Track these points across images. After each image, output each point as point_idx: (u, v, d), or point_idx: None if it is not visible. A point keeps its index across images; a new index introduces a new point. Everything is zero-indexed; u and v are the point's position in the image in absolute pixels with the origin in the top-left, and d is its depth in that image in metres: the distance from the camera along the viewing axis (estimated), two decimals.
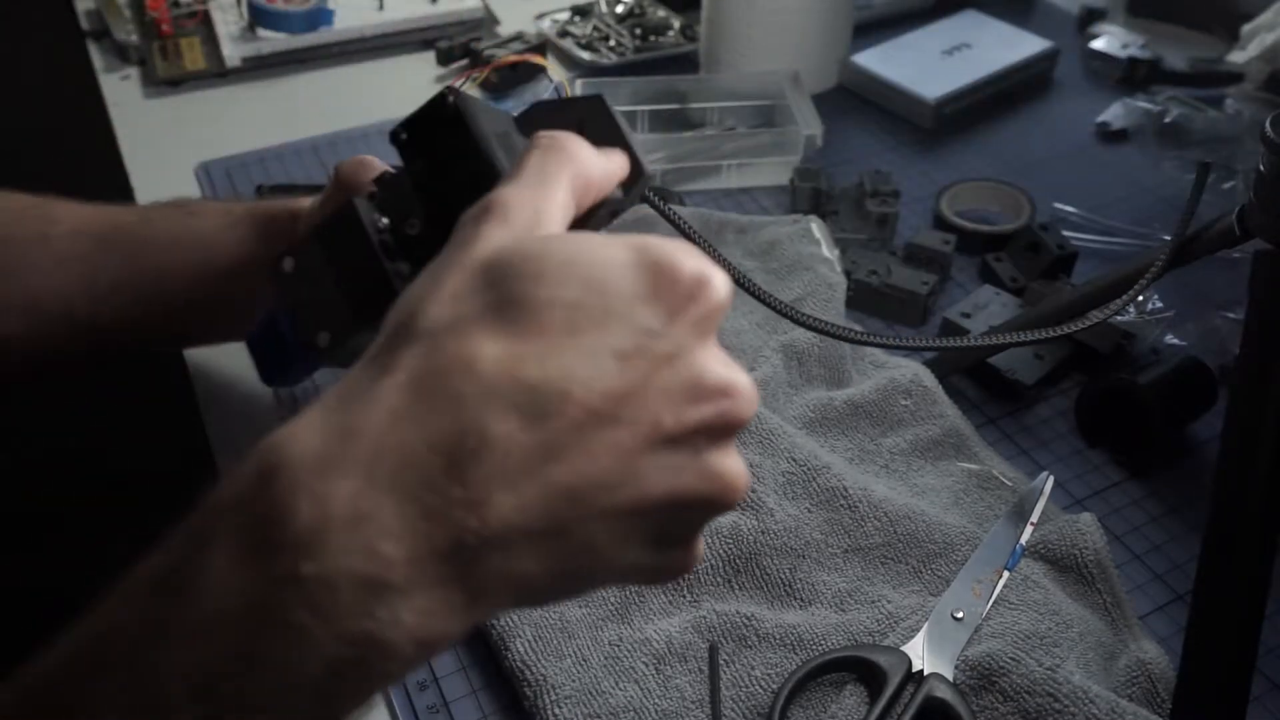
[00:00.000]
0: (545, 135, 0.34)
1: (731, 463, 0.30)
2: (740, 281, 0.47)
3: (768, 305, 0.49)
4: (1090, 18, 1.03)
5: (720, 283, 0.29)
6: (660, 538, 0.30)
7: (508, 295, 0.28)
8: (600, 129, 0.41)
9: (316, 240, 0.42)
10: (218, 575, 0.26)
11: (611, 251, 0.29)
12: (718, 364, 0.29)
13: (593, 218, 0.38)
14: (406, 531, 0.26)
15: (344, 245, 0.41)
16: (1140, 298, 0.67)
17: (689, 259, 0.29)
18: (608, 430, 0.27)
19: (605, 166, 0.35)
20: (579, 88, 0.86)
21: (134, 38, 0.96)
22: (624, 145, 0.41)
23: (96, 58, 0.98)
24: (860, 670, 0.49)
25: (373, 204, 0.41)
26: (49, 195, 0.56)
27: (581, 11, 1.03)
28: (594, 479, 0.27)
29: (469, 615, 0.27)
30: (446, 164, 0.39)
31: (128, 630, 0.27)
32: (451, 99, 0.38)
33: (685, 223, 0.47)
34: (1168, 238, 0.57)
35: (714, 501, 0.29)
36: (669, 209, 0.46)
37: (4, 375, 0.58)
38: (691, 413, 0.28)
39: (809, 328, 0.50)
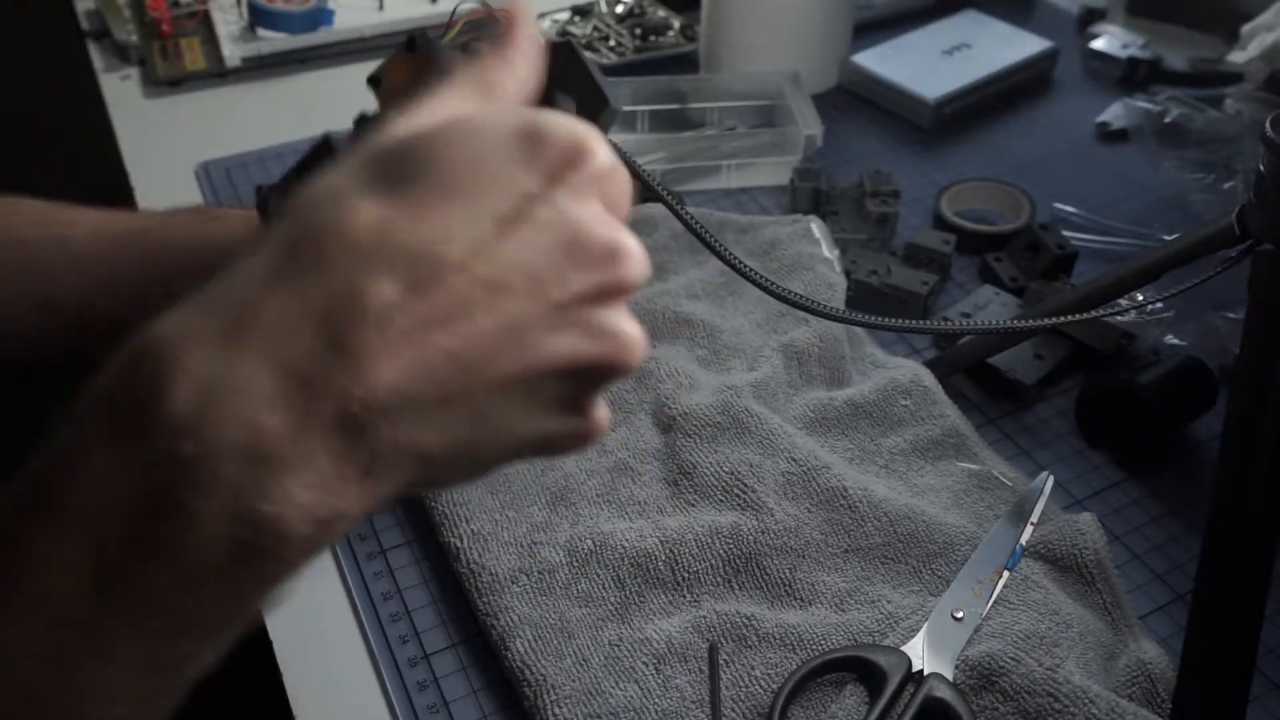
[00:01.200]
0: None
1: (624, 324, 0.29)
2: (741, 270, 0.47)
3: (767, 290, 0.49)
4: (1090, 18, 1.03)
5: (600, 149, 0.29)
6: (558, 405, 0.29)
7: (387, 167, 0.27)
8: (567, 71, 0.42)
9: (295, 174, 0.43)
10: (101, 464, 0.25)
11: (492, 120, 0.29)
12: (601, 226, 0.28)
13: None
14: (287, 402, 0.25)
15: None
16: (1140, 297, 0.67)
17: (567, 125, 0.29)
18: (491, 295, 0.26)
19: (515, 74, 0.34)
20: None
21: (134, 38, 0.96)
22: (588, 79, 0.41)
23: (96, 58, 0.98)
24: (860, 670, 0.49)
25: (348, 140, 0.42)
26: (57, 199, 0.56)
27: (581, 11, 1.03)
28: (480, 345, 0.26)
29: (367, 490, 0.26)
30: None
31: (11, 527, 0.27)
32: (418, 41, 0.40)
33: (690, 216, 0.47)
34: (1167, 238, 0.57)
35: (608, 364, 0.29)
36: (670, 196, 0.46)
37: (24, 372, 0.57)
38: (576, 276, 0.28)
39: (812, 311, 0.50)
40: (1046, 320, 0.52)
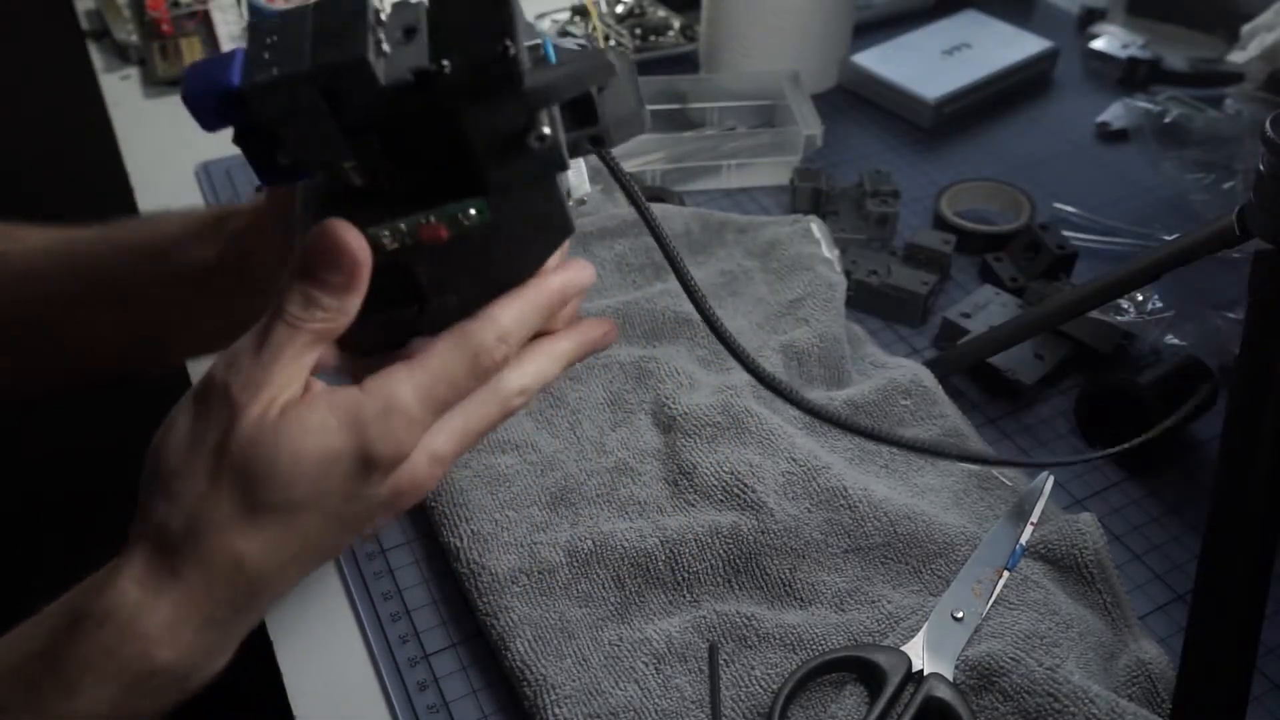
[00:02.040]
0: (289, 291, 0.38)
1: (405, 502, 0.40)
2: (701, 305, 0.45)
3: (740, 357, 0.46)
4: (1090, 18, 1.03)
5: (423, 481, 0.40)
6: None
7: (250, 500, 0.36)
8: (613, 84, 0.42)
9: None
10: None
11: (328, 444, 0.37)
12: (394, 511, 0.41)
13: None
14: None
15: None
16: (1140, 297, 0.67)
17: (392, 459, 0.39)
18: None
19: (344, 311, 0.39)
20: None
21: (134, 38, 0.96)
22: (630, 90, 0.43)
23: (96, 58, 0.98)
24: (860, 670, 0.49)
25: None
26: (57, 199, 0.56)
27: (581, 11, 1.03)
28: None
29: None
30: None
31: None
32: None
33: (665, 235, 0.45)
34: (1167, 238, 0.57)
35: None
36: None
37: None
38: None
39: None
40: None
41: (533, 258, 0.42)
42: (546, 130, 0.37)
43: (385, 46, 0.37)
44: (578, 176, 0.44)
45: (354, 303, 0.38)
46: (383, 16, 0.38)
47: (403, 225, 0.38)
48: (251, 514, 0.36)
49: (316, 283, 0.37)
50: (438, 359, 0.39)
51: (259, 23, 0.38)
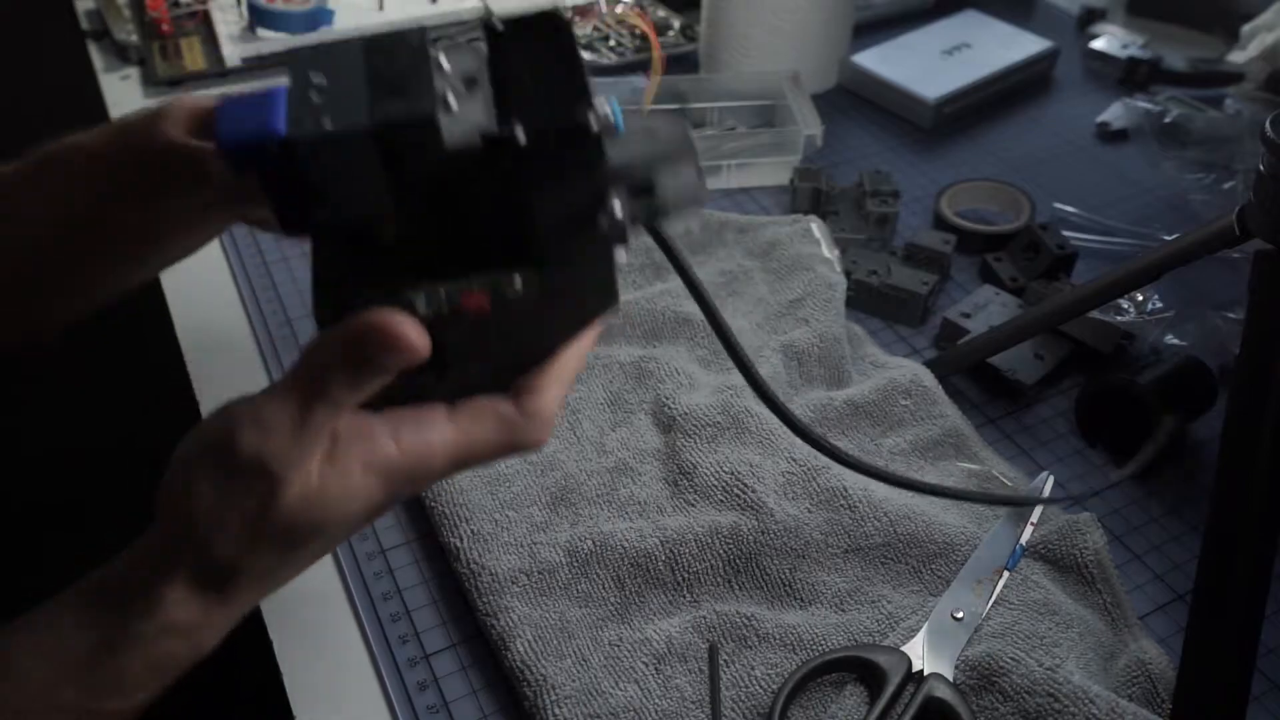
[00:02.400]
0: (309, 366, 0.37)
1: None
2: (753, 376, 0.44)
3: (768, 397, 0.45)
4: (1090, 18, 1.03)
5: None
6: None
7: (294, 550, 0.39)
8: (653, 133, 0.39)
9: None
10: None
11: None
12: None
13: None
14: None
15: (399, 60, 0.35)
16: (1140, 297, 0.67)
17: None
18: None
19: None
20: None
21: (134, 38, 0.96)
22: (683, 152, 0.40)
23: (96, 58, 0.98)
24: (860, 670, 0.49)
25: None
26: None
27: (581, 11, 1.03)
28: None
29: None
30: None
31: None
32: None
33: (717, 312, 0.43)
34: (1167, 238, 0.57)
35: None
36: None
37: None
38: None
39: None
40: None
41: (571, 327, 0.39)
42: (618, 210, 0.35)
43: (450, 99, 0.34)
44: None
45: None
46: (442, 60, 0.36)
47: (443, 292, 0.35)
48: (293, 555, 0.39)
49: (368, 368, 0.36)
50: (478, 432, 0.40)
51: (303, 57, 0.34)
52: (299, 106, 0.33)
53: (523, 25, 0.37)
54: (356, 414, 0.39)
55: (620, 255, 0.37)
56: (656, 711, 0.48)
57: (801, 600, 0.53)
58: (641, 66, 0.95)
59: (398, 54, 0.35)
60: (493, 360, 0.39)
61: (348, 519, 0.38)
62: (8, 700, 0.38)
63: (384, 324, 0.35)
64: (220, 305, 0.72)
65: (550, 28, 0.37)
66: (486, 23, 0.37)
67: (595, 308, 0.39)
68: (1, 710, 0.37)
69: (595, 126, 0.33)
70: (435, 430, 0.39)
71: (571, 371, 0.41)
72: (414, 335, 0.36)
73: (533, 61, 0.35)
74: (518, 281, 0.35)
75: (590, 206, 0.34)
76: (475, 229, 0.36)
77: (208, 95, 0.45)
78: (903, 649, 0.49)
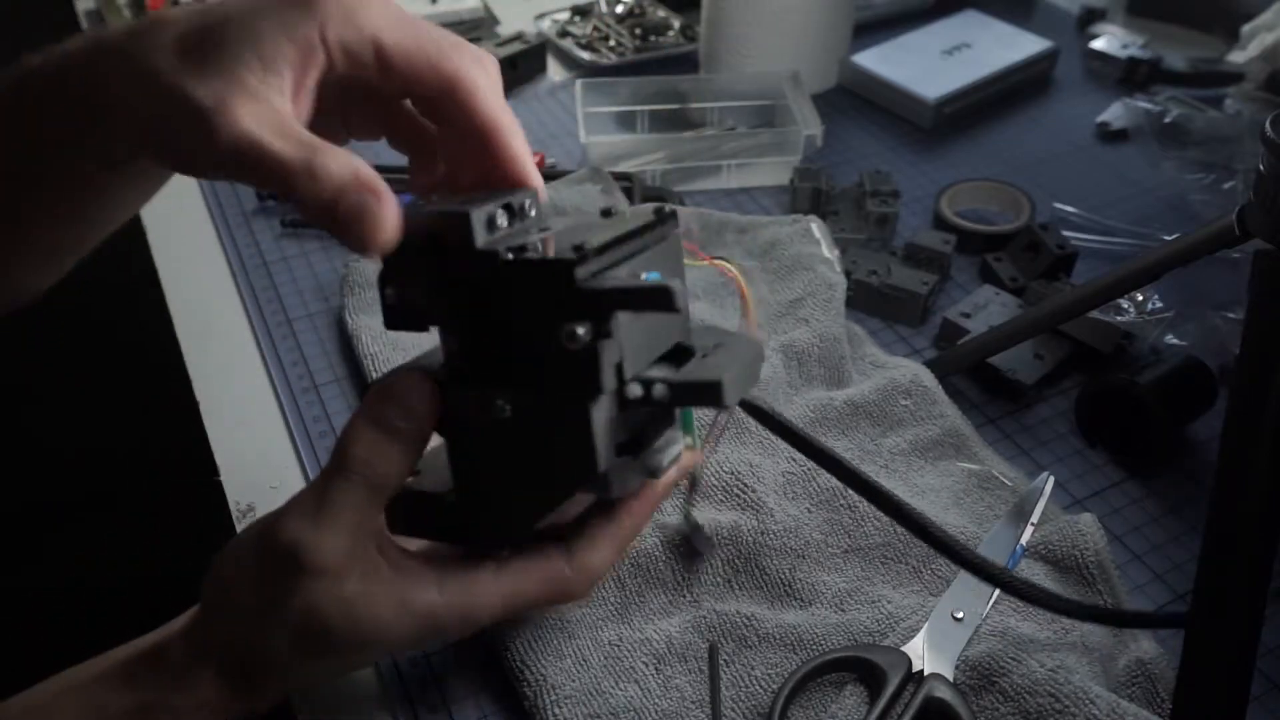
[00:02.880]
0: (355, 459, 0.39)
1: None
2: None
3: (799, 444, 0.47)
4: (1090, 18, 1.03)
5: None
6: None
7: (324, 652, 0.40)
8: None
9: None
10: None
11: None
12: None
13: None
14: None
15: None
16: (1140, 297, 0.67)
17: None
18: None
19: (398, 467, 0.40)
20: (580, 89, 0.85)
21: None
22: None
23: None
24: (860, 670, 0.49)
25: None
26: None
27: (581, 11, 1.03)
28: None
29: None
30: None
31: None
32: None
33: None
34: (1167, 238, 0.57)
35: None
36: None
37: None
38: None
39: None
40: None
41: (556, 480, 0.40)
42: (580, 331, 0.35)
43: (501, 221, 0.38)
44: (664, 449, 0.41)
45: (417, 451, 0.39)
46: (534, 210, 0.40)
47: (466, 393, 0.39)
48: (320, 658, 0.40)
49: (386, 430, 0.38)
50: (524, 587, 0.41)
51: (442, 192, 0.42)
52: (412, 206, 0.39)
53: (635, 217, 0.41)
54: (406, 556, 0.40)
55: (598, 415, 0.37)
56: (656, 711, 0.48)
57: (801, 600, 0.53)
58: (642, 66, 0.95)
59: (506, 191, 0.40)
60: (510, 486, 0.40)
61: (380, 644, 0.39)
62: None
63: (389, 381, 0.37)
64: (220, 305, 0.72)
65: (657, 223, 0.40)
66: (604, 210, 0.41)
67: (570, 472, 0.39)
68: None
69: (584, 250, 0.35)
70: (480, 584, 0.40)
71: (627, 538, 0.43)
72: (416, 389, 0.37)
73: (610, 235, 0.38)
74: (497, 400, 0.38)
75: (555, 321, 0.36)
76: (500, 344, 0.38)
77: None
78: (903, 649, 0.49)
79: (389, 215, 0.35)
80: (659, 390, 0.37)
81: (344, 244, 0.36)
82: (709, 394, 0.37)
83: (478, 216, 0.37)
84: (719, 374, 0.36)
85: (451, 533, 0.43)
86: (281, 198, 0.40)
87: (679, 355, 0.39)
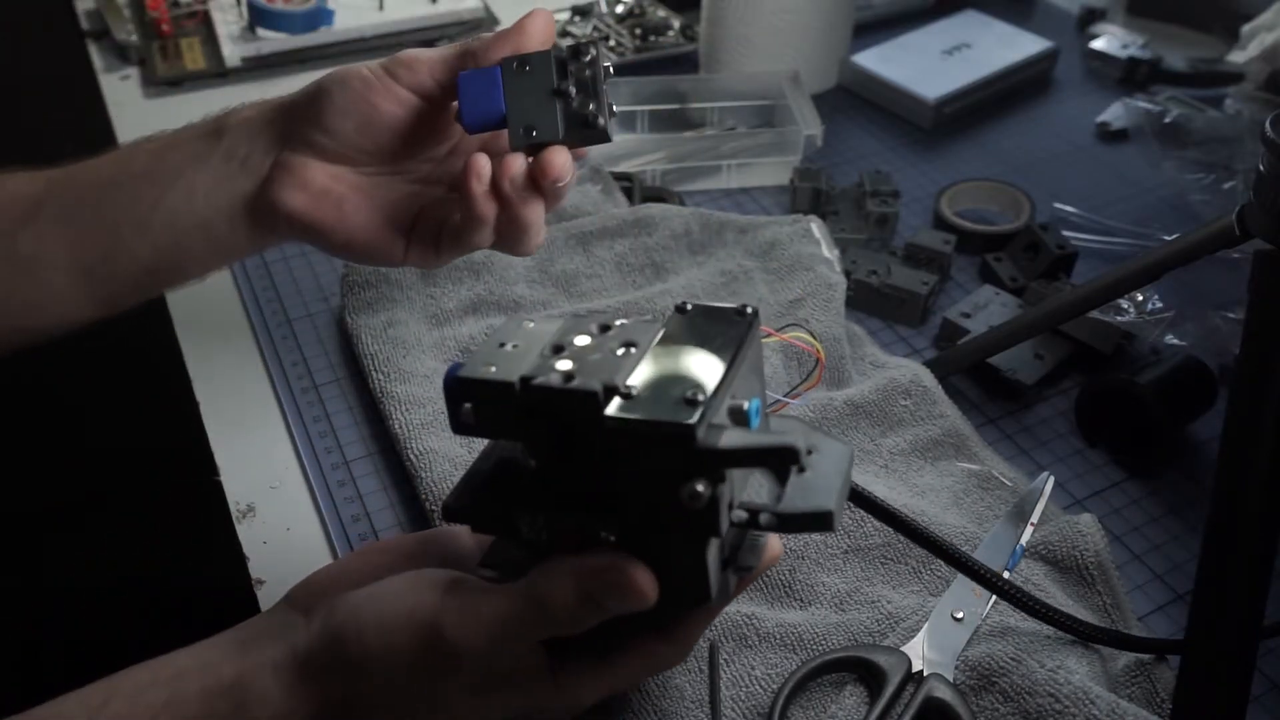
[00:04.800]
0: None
1: None
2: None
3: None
4: (1090, 18, 1.03)
5: None
6: None
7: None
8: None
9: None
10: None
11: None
12: None
13: None
14: None
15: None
16: (1140, 297, 0.67)
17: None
18: None
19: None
20: None
21: (134, 38, 0.96)
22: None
23: (96, 58, 0.98)
24: (860, 670, 0.49)
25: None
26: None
27: (581, 11, 1.03)
28: None
29: None
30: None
31: None
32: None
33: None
34: (1167, 238, 0.57)
35: None
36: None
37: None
38: None
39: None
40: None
41: (666, 608, 0.39)
42: (701, 489, 0.35)
43: (561, 361, 0.38)
44: (753, 546, 0.42)
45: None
46: (619, 322, 0.40)
47: (542, 520, 0.39)
48: None
49: (594, 609, 0.38)
50: (630, 674, 0.42)
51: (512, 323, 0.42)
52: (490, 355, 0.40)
53: (706, 312, 0.40)
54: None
55: (712, 552, 0.38)
56: (656, 711, 0.48)
57: (801, 601, 0.53)
58: (642, 66, 0.95)
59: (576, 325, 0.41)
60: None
61: None
62: None
63: (621, 566, 0.37)
64: (220, 305, 0.72)
65: (728, 320, 0.40)
66: (679, 306, 0.41)
67: (686, 601, 0.40)
68: None
69: (697, 432, 0.34)
70: (590, 676, 0.41)
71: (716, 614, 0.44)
72: (645, 582, 0.37)
73: (685, 345, 0.38)
74: (602, 532, 0.38)
75: (674, 479, 0.35)
76: (591, 471, 0.38)
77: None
78: (903, 649, 0.49)
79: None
80: (765, 520, 0.37)
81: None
82: (818, 523, 0.36)
83: (604, 394, 0.36)
84: (829, 504, 0.36)
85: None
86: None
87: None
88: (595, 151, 0.81)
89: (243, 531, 0.57)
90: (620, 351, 0.38)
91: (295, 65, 0.95)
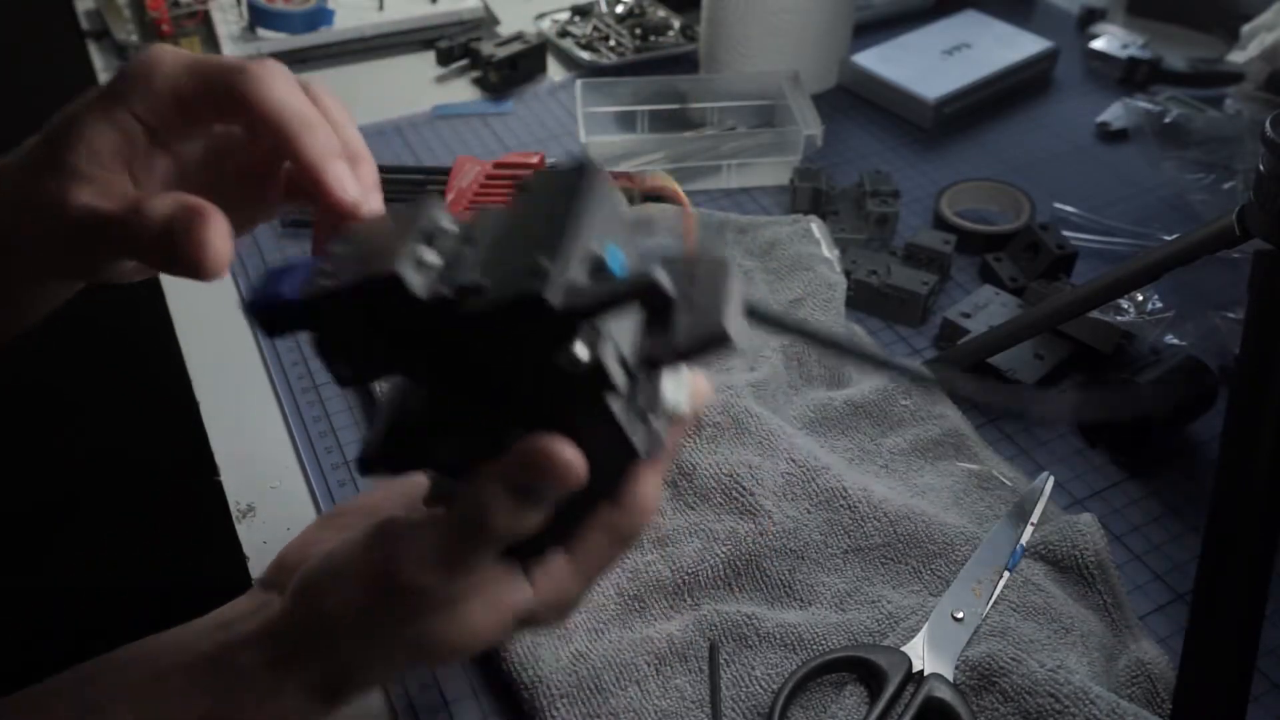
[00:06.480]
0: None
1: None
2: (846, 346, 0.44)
3: (861, 357, 0.45)
4: (1090, 18, 1.03)
5: None
6: None
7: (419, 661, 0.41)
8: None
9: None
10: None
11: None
12: None
13: None
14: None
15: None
16: (1140, 297, 0.67)
17: None
18: None
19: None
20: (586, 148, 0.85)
21: (134, 38, 0.96)
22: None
23: (96, 58, 0.98)
24: (860, 670, 0.49)
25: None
26: None
27: (581, 11, 1.03)
28: None
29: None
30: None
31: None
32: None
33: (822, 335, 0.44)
34: (1167, 238, 0.57)
35: None
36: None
37: None
38: None
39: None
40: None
41: (604, 478, 0.38)
42: (578, 352, 0.34)
43: (431, 258, 0.35)
44: (675, 389, 0.39)
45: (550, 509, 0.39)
46: (448, 224, 0.37)
47: (455, 441, 0.38)
48: (417, 669, 0.44)
49: (530, 497, 0.37)
50: (599, 559, 0.41)
51: (346, 233, 0.38)
52: (316, 274, 0.36)
53: (550, 177, 0.38)
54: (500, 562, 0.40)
55: (617, 407, 0.36)
56: (656, 711, 0.48)
57: (801, 601, 0.53)
58: (642, 66, 0.95)
59: (404, 219, 0.37)
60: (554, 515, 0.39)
61: (478, 649, 0.40)
62: None
63: (535, 446, 0.36)
64: (220, 306, 0.72)
65: (568, 180, 0.37)
66: (518, 183, 0.38)
67: (616, 463, 0.38)
68: None
69: (544, 266, 0.33)
70: (568, 573, 0.40)
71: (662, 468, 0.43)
72: (565, 452, 0.36)
73: (541, 220, 0.36)
74: (517, 428, 0.36)
75: (549, 350, 0.34)
76: (481, 385, 0.37)
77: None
78: (903, 649, 0.49)
79: (213, 233, 0.37)
80: (663, 357, 0.36)
81: (184, 274, 0.38)
82: (717, 346, 0.35)
83: (405, 267, 0.34)
84: (719, 323, 0.35)
85: None
86: (125, 254, 0.41)
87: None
88: (595, 152, 0.81)
89: (243, 531, 0.58)
90: (459, 246, 0.37)
91: (295, 65, 0.95)
